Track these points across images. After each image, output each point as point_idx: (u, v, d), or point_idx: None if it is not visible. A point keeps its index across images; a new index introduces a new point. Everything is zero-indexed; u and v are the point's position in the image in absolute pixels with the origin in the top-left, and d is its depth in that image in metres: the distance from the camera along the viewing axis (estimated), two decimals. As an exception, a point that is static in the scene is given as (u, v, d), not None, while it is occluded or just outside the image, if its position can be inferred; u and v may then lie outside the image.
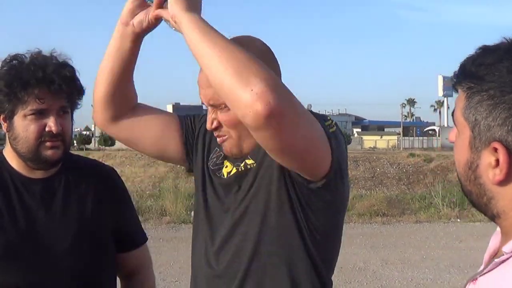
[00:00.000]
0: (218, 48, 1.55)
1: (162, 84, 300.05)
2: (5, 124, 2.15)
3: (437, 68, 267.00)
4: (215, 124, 1.86)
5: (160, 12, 1.77)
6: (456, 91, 1.23)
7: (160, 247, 11.18)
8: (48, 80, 2.09)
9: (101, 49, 2.00)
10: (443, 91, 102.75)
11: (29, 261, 2.12)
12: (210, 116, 1.86)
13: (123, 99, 2.05)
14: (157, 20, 1.83)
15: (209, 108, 1.86)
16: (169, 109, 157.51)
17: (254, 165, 1.90)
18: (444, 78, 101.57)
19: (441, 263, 10.42)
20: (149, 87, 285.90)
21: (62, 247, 2.16)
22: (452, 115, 1.24)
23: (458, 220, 15.90)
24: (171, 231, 13.27)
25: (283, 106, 1.50)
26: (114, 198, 2.37)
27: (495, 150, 1.12)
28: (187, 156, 2.11)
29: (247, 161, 1.92)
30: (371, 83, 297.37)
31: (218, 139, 1.91)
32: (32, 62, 2.12)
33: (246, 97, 1.47)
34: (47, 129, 2.11)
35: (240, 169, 1.93)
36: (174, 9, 1.65)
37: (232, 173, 1.96)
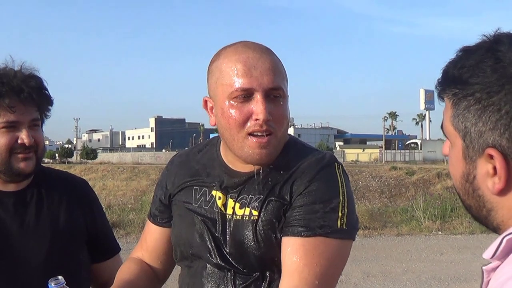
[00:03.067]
0: None
1: (144, 97, 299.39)
2: None
3: (419, 81, 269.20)
4: (271, 116, 1.69)
5: None
6: (442, 100, 1.15)
7: (142, 261, 11.10)
8: (17, 90, 2.10)
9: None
10: (425, 105, 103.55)
11: (4, 274, 2.11)
12: (265, 106, 1.67)
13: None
14: None
15: (261, 97, 1.68)
16: (152, 122, 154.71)
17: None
18: (426, 91, 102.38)
19: (422, 276, 10.44)
20: (132, 101, 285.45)
21: (36, 259, 2.15)
22: (442, 127, 1.17)
23: (440, 232, 15.96)
24: (153, 245, 13.12)
25: None
26: (87, 209, 2.37)
27: (491, 157, 1.04)
28: None
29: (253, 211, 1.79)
30: (353, 97, 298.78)
31: (259, 138, 1.71)
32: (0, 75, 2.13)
33: None
34: (19, 141, 2.11)
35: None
36: None
37: (243, 213, 1.82)
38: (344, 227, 1.70)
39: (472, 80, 1.06)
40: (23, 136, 2.11)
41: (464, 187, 1.13)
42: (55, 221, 2.24)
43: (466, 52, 1.11)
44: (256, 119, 1.68)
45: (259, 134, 1.70)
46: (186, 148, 2.13)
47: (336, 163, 1.81)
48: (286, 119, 1.75)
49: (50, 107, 2.26)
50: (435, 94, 1.19)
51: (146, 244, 2.10)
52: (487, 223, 1.13)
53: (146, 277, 2.05)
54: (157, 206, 2.07)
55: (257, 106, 1.68)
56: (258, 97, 1.68)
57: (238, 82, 1.69)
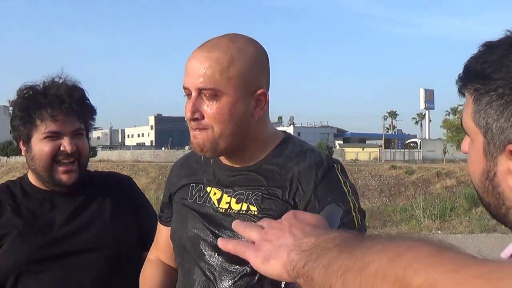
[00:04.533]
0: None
1: (144, 95, 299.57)
2: (24, 147, 2.31)
3: (418, 81, 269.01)
4: (197, 115, 1.77)
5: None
6: (463, 95, 1.14)
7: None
8: (59, 100, 2.23)
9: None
10: (425, 104, 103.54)
11: (56, 265, 2.24)
12: (191, 105, 1.77)
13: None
14: None
15: (193, 96, 1.77)
16: (151, 120, 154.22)
17: (256, 212, 1.83)
18: (426, 91, 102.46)
19: (422, 275, 10.44)
20: (132, 99, 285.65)
21: (84, 254, 2.28)
22: (462, 123, 1.16)
23: (439, 232, 15.99)
24: (152, 243, 13.12)
25: None
26: (133, 206, 2.48)
27: None
28: None
29: (251, 207, 1.84)
30: (353, 96, 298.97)
31: (193, 131, 1.82)
32: (43, 87, 2.28)
33: None
34: (61, 148, 2.24)
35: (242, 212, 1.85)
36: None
37: (232, 208, 1.87)
38: (359, 223, 1.79)
39: (494, 75, 1.04)
40: (65, 144, 2.24)
41: (483, 184, 1.11)
42: (103, 219, 2.37)
43: (489, 47, 1.10)
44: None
45: (192, 129, 1.81)
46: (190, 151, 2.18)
47: (335, 164, 1.87)
48: (224, 115, 1.77)
49: (93, 116, 2.41)
50: (456, 89, 1.17)
51: (159, 244, 2.20)
52: (506, 221, 1.12)
53: (169, 276, 2.13)
54: (161, 206, 2.17)
55: (186, 105, 1.79)
56: (192, 95, 1.77)
57: (183, 81, 1.81)
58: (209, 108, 1.76)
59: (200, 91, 1.76)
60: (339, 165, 1.89)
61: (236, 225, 1.23)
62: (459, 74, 1.14)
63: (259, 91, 1.82)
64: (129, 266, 2.34)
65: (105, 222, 2.35)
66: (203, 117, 1.77)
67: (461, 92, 1.14)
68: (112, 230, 2.35)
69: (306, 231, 1.06)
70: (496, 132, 1.05)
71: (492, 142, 1.06)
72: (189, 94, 1.79)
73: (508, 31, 1.10)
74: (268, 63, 1.89)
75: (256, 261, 1.07)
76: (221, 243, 1.20)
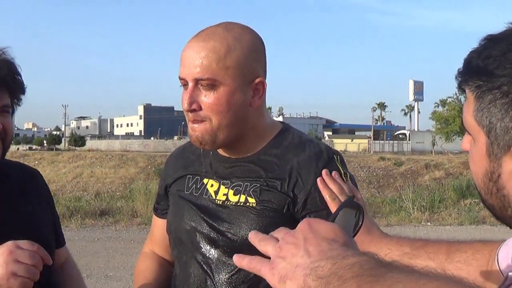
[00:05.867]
0: None
1: (133, 85, 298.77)
2: None
3: (408, 72, 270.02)
4: (194, 106, 1.74)
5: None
6: (463, 92, 1.08)
7: (131, 249, 11.09)
8: None
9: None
10: (414, 96, 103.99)
11: None
12: (188, 96, 1.73)
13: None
14: None
15: (190, 87, 1.73)
16: (140, 110, 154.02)
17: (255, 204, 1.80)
18: (415, 82, 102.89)
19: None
20: (121, 88, 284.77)
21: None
22: (462, 121, 1.10)
23: (428, 223, 16.01)
24: (142, 233, 13.14)
25: None
26: (47, 198, 2.28)
27: None
28: None
29: (249, 199, 1.80)
30: (342, 87, 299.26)
31: (191, 124, 1.79)
32: None
33: None
34: None
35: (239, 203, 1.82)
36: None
37: (230, 200, 1.84)
38: None
39: (498, 71, 0.98)
40: None
41: (487, 186, 1.06)
42: (26, 209, 2.09)
43: (492, 41, 1.03)
44: None
45: (190, 121, 1.78)
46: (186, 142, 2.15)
47: (335, 156, 1.85)
48: (222, 106, 1.74)
49: (22, 95, 2.09)
50: (456, 84, 1.11)
51: (154, 236, 2.17)
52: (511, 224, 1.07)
53: (163, 270, 2.11)
54: (157, 199, 2.14)
55: (183, 95, 1.75)
56: (189, 86, 1.73)
57: (179, 72, 1.76)
58: (206, 98, 1.73)
59: (197, 81, 1.72)
60: (338, 156, 1.87)
61: (252, 237, 1.16)
62: (459, 69, 1.08)
63: (257, 80, 1.78)
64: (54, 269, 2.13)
65: (32, 221, 2.08)
66: (200, 108, 1.74)
67: (461, 88, 1.09)
68: (39, 230, 2.06)
69: (322, 250, 0.99)
70: (500, 132, 0.99)
71: (496, 142, 1.01)
72: (185, 85, 1.75)
73: (511, 23, 1.04)
74: (265, 51, 1.85)
75: (272, 280, 1.02)
76: (236, 259, 1.14)
